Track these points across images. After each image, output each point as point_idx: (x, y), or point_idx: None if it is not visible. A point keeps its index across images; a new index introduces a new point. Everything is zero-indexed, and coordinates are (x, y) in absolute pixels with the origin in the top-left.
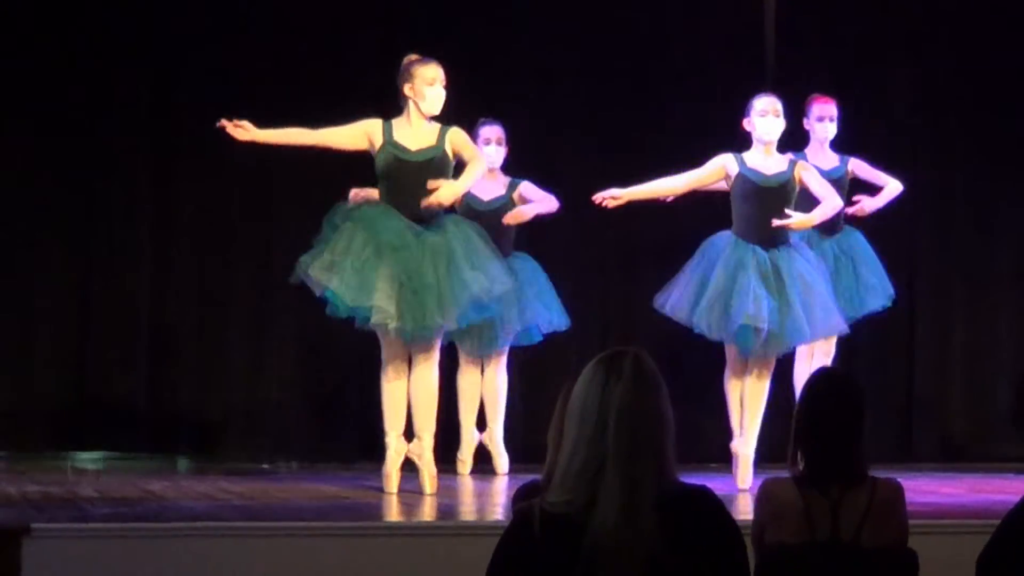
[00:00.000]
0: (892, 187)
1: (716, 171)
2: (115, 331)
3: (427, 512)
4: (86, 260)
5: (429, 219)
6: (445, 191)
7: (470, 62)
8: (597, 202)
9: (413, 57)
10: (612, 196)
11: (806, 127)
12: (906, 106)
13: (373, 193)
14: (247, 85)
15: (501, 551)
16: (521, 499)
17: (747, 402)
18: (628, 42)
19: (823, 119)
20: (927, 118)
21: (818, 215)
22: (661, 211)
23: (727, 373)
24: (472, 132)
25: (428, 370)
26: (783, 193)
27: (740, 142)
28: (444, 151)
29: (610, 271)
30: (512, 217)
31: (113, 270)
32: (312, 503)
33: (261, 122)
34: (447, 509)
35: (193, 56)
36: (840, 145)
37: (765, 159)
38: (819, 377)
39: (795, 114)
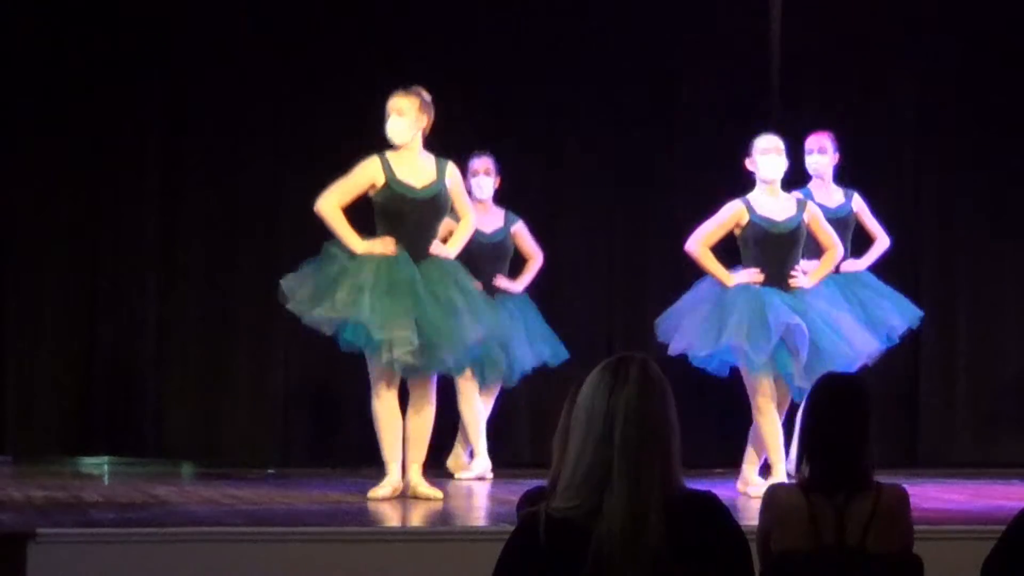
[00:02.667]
0: (880, 244)
1: (732, 219)
2: (121, 336)
3: (430, 517)
4: (92, 265)
5: (423, 254)
6: (449, 250)
7: (471, 93)
8: None
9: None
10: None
11: (805, 166)
12: (910, 112)
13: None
14: (256, 95)
15: (506, 557)
16: (526, 505)
17: (766, 435)
18: (636, 70)
19: (812, 151)
20: (931, 124)
21: (823, 270)
22: (666, 229)
23: (761, 408)
24: (463, 166)
25: (427, 404)
26: (794, 238)
27: (745, 172)
28: (445, 186)
29: (616, 277)
30: (508, 285)
31: (119, 275)
32: (316, 508)
33: (266, 133)
34: (451, 513)
35: (204, 66)
36: (842, 179)
37: (773, 202)
38: (825, 383)
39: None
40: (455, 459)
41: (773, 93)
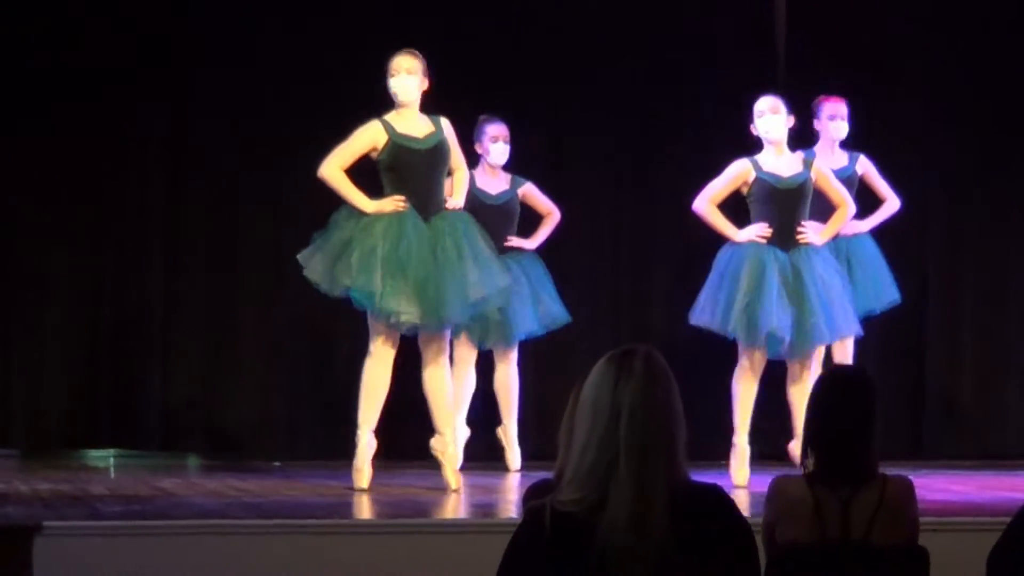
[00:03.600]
0: (890, 205)
1: (738, 177)
2: (127, 330)
3: (438, 510)
4: (98, 260)
5: (437, 208)
6: (456, 203)
7: (481, 64)
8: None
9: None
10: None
11: (816, 127)
12: (918, 106)
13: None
14: (259, 84)
15: (512, 550)
16: (532, 498)
17: (796, 405)
18: (640, 42)
19: (835, 118)
20: (939, 117)
21: (835, 227)
22: (674, 211)
23: (739, 372)
24: (476, 128)
25: (441, 366)
26: (801, 194)
27: (750, 143)
28: (445, 138)
29: (622, 270)
30: (521, 243)
31: (125, 269)
32: (322, 500)
33: (270, 128)
34: (457, 506)
35: (208, 66)
36: (850, 144)
37: (778, 160)
38: (830, 375)
39: (805, 115)
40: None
41: (779, 65)
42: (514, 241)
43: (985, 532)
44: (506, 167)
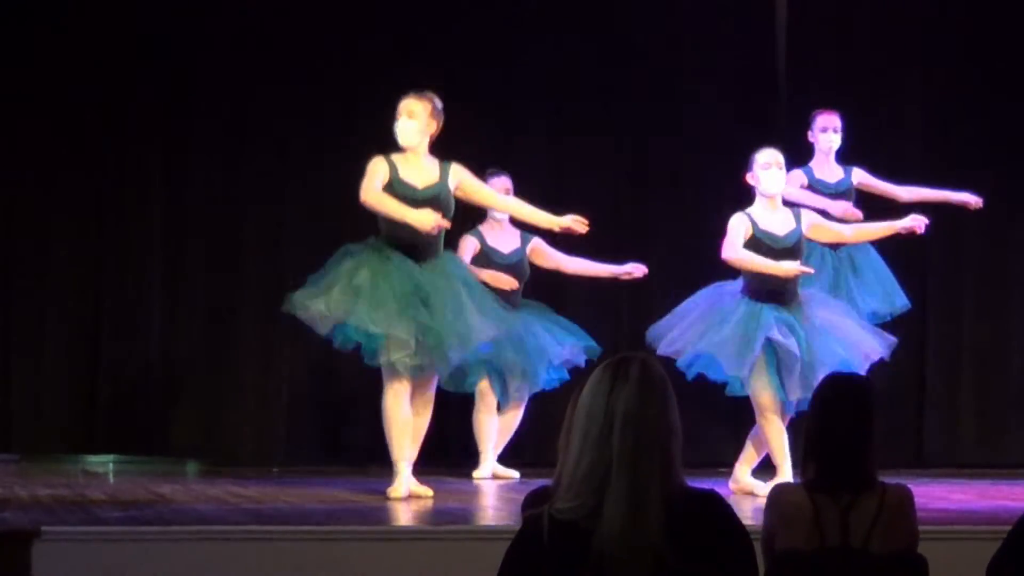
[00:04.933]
0: (911, 189)
1: (746, 231)
2: (126, 335)
3: (436, 517)
4: (98, 265)
5: (432, 255)
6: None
7: (476, 98)
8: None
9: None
10: None
11: (810, 139)
12: (916, 109)
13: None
14: (260, 94)
15: (510, 558)
16: (530, 505)
17: (771, 441)
18: (641, 55)
19: (827, 130)
20: (937, 121)
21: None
22: (672, 222)
23: (764, 416)
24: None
25: (426, 407)
26: (796, 252)
27: (747, 154)
28: (447, 187)
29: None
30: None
31: (124, 274)
32: (321, 507)
33: (271, 127)
34: (457, 513)
35: (205, 64)
36: (849, 155)
37: (773, 215)
38: (830, 383)
39: (805, 128)
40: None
41: (780, 78)
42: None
43: (984, 541)
44: (514, 221)
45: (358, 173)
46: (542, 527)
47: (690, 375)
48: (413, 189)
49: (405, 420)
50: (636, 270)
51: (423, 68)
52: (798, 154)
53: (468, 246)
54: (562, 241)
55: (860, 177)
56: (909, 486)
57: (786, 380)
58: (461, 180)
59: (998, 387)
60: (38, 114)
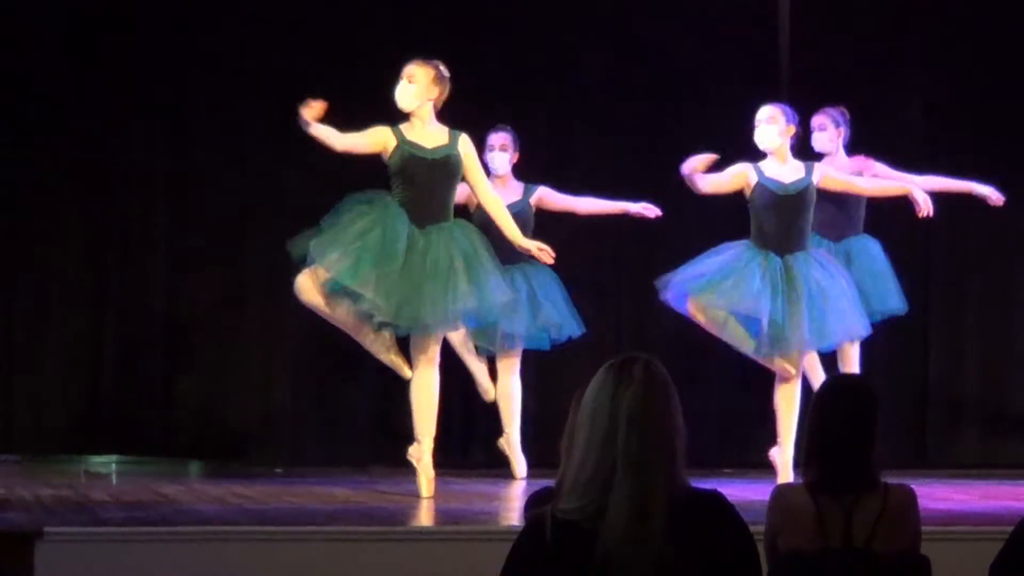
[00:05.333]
0: (927, 179)
1: (737, 178)
2: (129, 336)
3: (439, 517)
4: (102, 266)
5: (439, 219)
6: (521, 243)
7: (482, 71)
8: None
9: None
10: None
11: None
12: (920, 105)
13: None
14: (262, 85)
15: (513, 558)
16: (534, 506)
17: (778, 410)
18: (643, 51)
19: (813, 130)
20: (941, 118)
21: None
22: (678, 220)
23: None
24: (482, 139)
25: (425, 372)
26: (802, 200)
27: (754, 152)
28: (458, 152)
29: (625, 278)
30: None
31: (128, 276)
32: (324, 507)
33: (274, 129)
34: (459, 514)
35: (208, 55)
36: (855, 149)
37: (781, 167)
38: (832, 383)
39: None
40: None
41: (782, 70)
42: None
43: (987, 541)
44: (518, 176)
45: (365, 162)
46: (545, 528)
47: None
48: (421, 148)
49: (426, 397)
50: (648, 211)
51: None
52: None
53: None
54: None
55: (869, 170)
56: (912, 486)
57: (751, 334)
58: (466, 153)
59: (1001, 387)
60: (40, 115)
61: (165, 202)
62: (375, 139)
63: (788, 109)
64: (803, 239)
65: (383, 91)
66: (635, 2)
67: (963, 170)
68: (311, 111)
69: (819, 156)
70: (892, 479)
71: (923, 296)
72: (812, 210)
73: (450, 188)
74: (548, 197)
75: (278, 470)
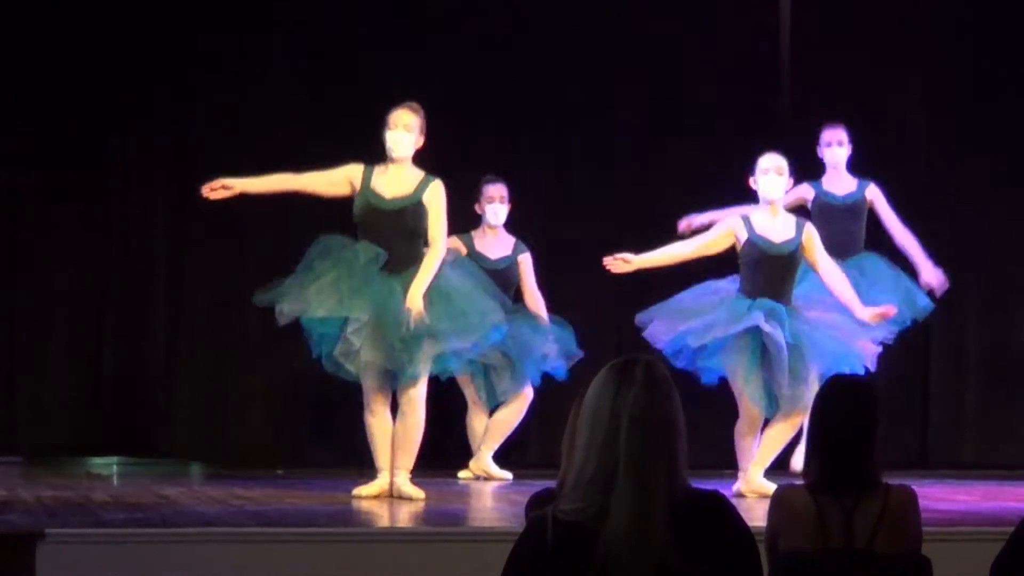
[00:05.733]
0: (910, 242)
1: (725, 236)
2: (130, 337)
3: (440, 519)
4: (103, 267)
5: (405, 265)
6: (414, 299)
7: (474, 111)
8: (607, 266)
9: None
10: (624, 259)
11: (819, 154)
12: (921, 113)
13: None
14: (264, 101)
15: (514, 559)
16: (534, 507)
17: (767, 436)
18: (643, 74)
19: (831, 144)
20: (943, 124)
21: (854, 299)
22: (675, 225)
23: (741, 427)
24: (477, 190)
25: (411, 412)
26: (790, 261)
27: (750, 161)
28: (420, 201)
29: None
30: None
31: (129, 278)
32: (326, 508)
33: (275, 134)
34: (460, 515)
35: (211, 68)
36: (858, 165)
37: (772, 221)
38: (833, 384)
39: (809, 143)
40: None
41: (783, 89)
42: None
43: (988, 542)
44: (510, 229)
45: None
46: (546, 528)
47: (678, 364)
48: (380, 198)
49: (382, 434)
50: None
51: (423, 70)
52: (802, 165)
53: (453, 249)
54: (563, 238)
55: (873, 194)
56: (913, 487)
57: (776, 372)
58: (430, 200)
59: (1002, 388)
60: (43, 120)
61: (166, 204)
62: (341, 178)
63: (789, 162)
64: (790, 294)
65: (378, 109)
66: (636, 14)
67: (964, 175)
68: (223, 192)
69: (824, 170)
70: (893, 479)
71: (925, 297)
72: (799, 269)
73: (413, 237)
74: (524, 266)
75: (279, 472)
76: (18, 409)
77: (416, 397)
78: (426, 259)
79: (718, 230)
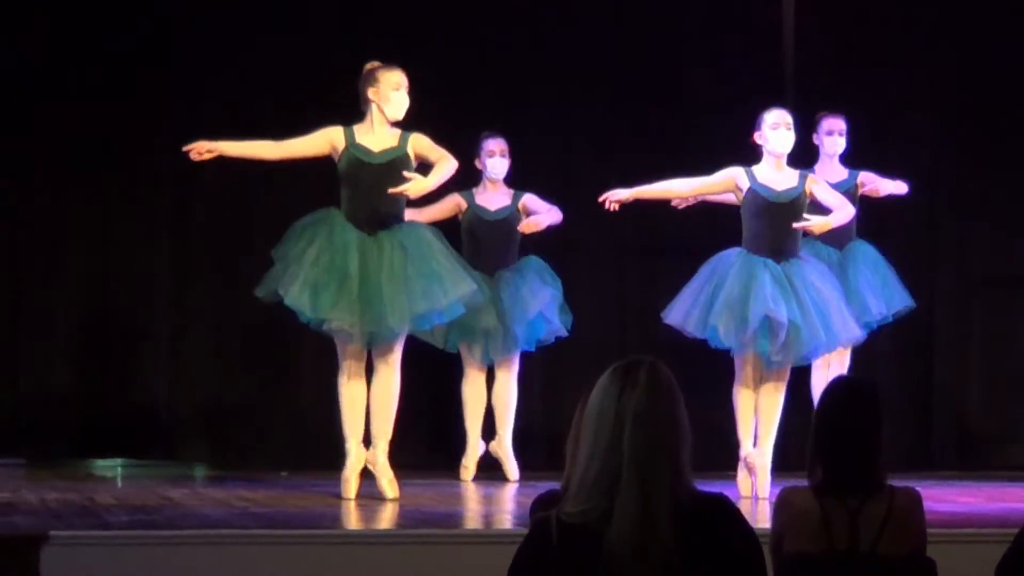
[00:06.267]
0: (899, 185)
1: (725, 181)
2: (134, 339)
3: (443, 520)
4: (105, 269)
5: (387, 223)
6: (414, 185)
7: (481, 72)
8: (602, 203)
9: (376, 63)
10: (617, 197)
11: (815, 142)
12: (924, 111)
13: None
14: (268, 98)
15: (519, 562)
16: (539, 509)
17: (763, 412)
18: (644, 56)
19: (832, 133)
20: (946, 123)
21: (835, 219)
22: (680, 220)
23: (737, 385)
24: (476, 145)
25: (388, 375)
26: (794, 208)
27: (757, 158)
28: (406, 153)
29: (629, 281)
30: (525, 227)
31: (132, 279)
32: (330, 510)
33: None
34: (463, 517)
35: (216, 62)
36: (857, 158)
37: (775, 174)
38: (837, 385)
39: (809, 131)
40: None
41: (787, 79)
42: (523, 227)
43: (993, 544)
44: (508, 183)
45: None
46: (551, 531)
47: (699, 335)
48: (368, 152)
49: (354, 399)
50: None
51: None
52: (804, 155)
53: (448, 203)
54: (569, 239)
55: (864, 178)
56: (917, 489)
57: (771, 342)
58: (417, 146)
59: (1007, 389)
60: (46, 129)
61: (170, 205)
62: (322, 140)
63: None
64: (796, 245)
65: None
66: (636, 7)
67: (969, 171)
68: (205, 154)
69: (816, 158)
70: (897, 481)
71: (928, 298)
72: (802, 217)
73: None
74: (529, 206)
75: (283, 474)
76: (21, 411)
77: (395, 360)
78: (440, 166)
79: (720, 174)
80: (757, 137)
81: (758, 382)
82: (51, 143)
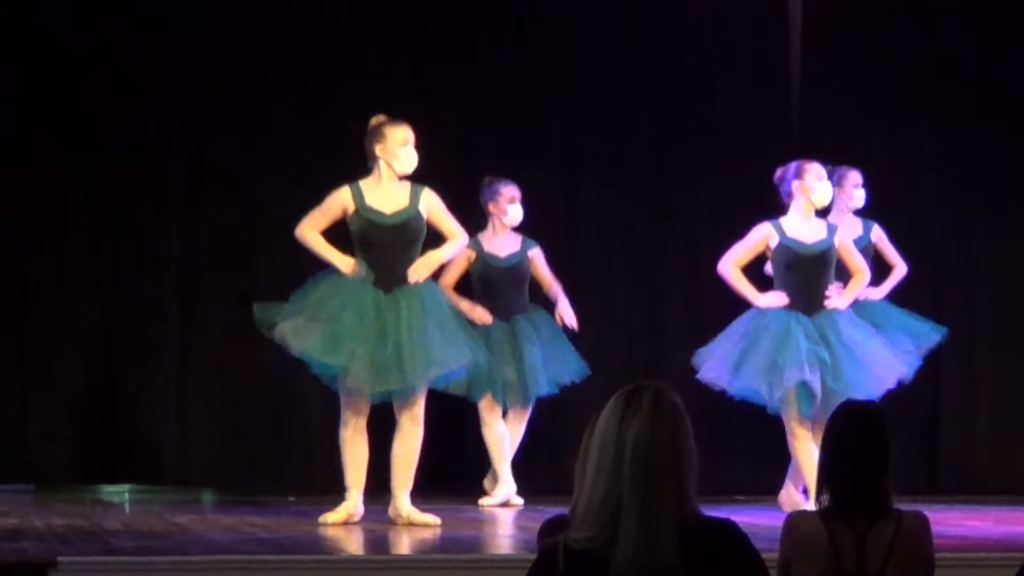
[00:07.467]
0: (897, 272)
1: (760, 242)
2: (142, 365)
3: (451, 545)
4: (113, 294)
5: (403, 280)
6: (422, 268)
7: (493, 122)
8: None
9: (382, 118)
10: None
11: (837, 195)
12: (932, 135)
13: None
14: (277, 116)
15: None
16: (546, 535)
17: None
18: (654, 102)
19: (858, 186)
20: (953, 144)
21: (853, 291)
22: (688, 257)
23: (793, 439)
24: (487, 189)
25: (412, 431)
26: (824, 260)
27: (764, 203)
28: (419, 211)
29: (637, 307)
30: (571, 321)
31: (140, 304)
32: (337, 536)
33: (286, 154)
34: (471, 542)
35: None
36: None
37: (805, 225)
38: (844, 410)
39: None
40: (490, 481)
41: (793, 116)
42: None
43: (1001, 567)
44: (517, 227)
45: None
46: (558, 557)
47: (738, 396)
48: (379, 215)
49: (356, 450)
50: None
51: (431, 81)
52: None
53: (460, 259)
54: (576, 259)
55: (878, 235)
56: (925, 512)
57: (811, 404)
58: (430, 206)
59: (1014, 412)
60: (50, 143)
61: (179, 230)
62: (336, 208)
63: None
64: (823, 296)
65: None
66: (646, 38)
67: (977, 196)
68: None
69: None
70: (905, 505)
71: (936, 321)
72: (833, 269)
73: (413, 250)
74: (535, 260)
75: (291, 499)
76: (30, 436)
77: (418, 413)
78: (450, 241)
79: (754, 236)
80: (795, 187)
81: (811, 430)
82: (58, 171)
